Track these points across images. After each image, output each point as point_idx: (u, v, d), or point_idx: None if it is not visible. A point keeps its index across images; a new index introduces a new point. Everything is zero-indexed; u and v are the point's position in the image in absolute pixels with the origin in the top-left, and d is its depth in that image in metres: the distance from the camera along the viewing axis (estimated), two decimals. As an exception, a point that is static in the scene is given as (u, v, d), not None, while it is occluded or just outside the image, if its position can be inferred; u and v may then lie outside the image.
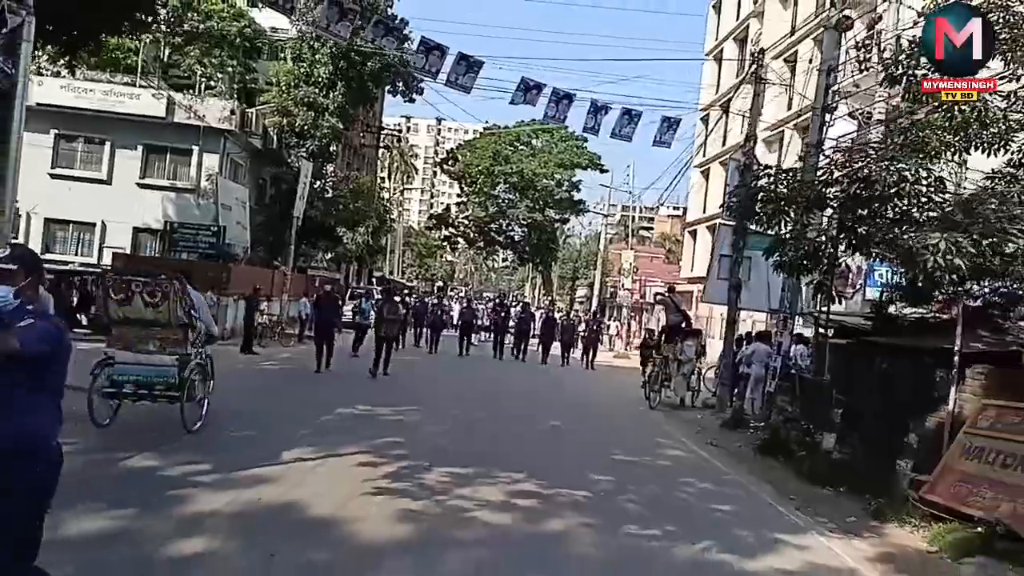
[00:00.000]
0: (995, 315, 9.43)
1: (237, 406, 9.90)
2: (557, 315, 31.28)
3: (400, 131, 47.28)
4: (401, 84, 35.69)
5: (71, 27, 10.19)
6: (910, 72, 9.17)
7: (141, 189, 26.73)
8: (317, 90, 31.40)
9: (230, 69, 31.50)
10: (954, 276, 8.06)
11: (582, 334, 25.59)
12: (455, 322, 25.87)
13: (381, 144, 36.40)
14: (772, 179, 10.69)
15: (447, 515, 6.19)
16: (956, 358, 8.69)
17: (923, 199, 8.59)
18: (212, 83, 30.59)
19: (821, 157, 12.24)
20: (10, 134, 8.35)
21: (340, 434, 9.02)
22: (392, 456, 8.06)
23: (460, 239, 62.77)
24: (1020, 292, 9.05)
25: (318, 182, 32.13)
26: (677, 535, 6.38)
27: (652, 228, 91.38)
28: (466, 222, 59.48)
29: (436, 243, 71.77)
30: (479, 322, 28.19)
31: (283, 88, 31.33)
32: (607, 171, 54.70)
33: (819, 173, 10.55)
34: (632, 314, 44.30)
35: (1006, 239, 8.14)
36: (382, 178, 43.72)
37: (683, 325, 16.23)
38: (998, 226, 8.30)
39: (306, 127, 31.20)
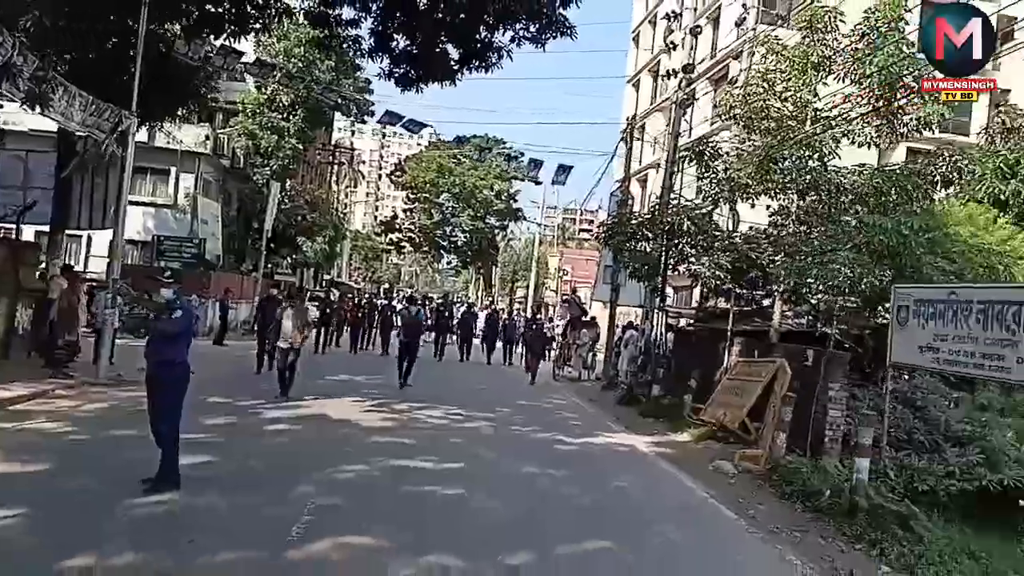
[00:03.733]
0: (754, 308, 14.75)
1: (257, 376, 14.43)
2: (503, 315, 31.41)
3: (353, 150, 51.32)
4: (354, 107, 40.05)
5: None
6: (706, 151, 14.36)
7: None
8: (279, 115, 35.56)
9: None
10: (716, 282, 13.31)
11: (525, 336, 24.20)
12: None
13: (335, 162, 40.68)
14: (625, 218, 15.84)
15: (409, 420, 11.01)
16: (729, 334, 14.01)
17: (702, 237, 13.77)
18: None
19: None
20: (121, 193, 12.78)
21: (331, 389, 13.66)
22: (371, 397, 12.81)
23: (407, 243, 67.11)
24: (759, 281, 14.18)
25: (280, 194, 36.29)
26: (540, 431, 11.39)
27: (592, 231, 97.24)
28: (413, 228, 63.93)
29: (384, 247, 75.83)
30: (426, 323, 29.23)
31: (249, 113, 35.38)
32: (540, 183, 59.90)
33: (636, 219, 15.69)
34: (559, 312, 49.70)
35: (751, 259, 13.44)
36: (336, 190, 47.89)
37: (582, 318, 21.36)
38: (747, 251, 13.60)
39: (270, 148, 35.34)
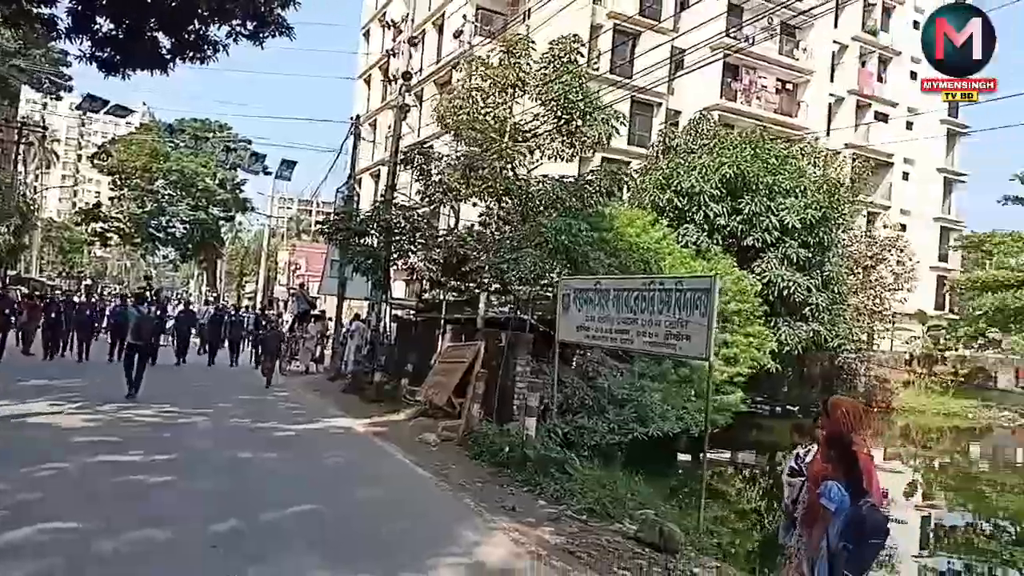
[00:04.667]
0: (467, 299, 16.47)
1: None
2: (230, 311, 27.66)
3: (45, 128, 44.99)
4: (47, 80, 35.45)
5: None
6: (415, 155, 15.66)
7: None
8: (-56, 83, 30.35)
9: None
10: (431, 276, 14.69)
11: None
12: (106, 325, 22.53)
13: (23, 140, 35.55)
14: (350, 214, 16.59)
15: (116, 420, 10.72)
16: (443, 322, 15.50)
17: (419, 235, 15.08)
18: None
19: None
20: None
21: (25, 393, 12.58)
22: (71, 400, 12.10)
23: (114, 234, 60.44)
24: (468, 274, 15.88)
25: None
26: (259, 421, 11.77)
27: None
28: (121, 217, 57.78)
29: (86, 238, 67.30)
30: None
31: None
32: (270, 173, 57.71)
33: (360, 215, 16.69)
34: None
35: (459, 255, 15.02)
36: (24, 172, 41.67)
37: (310, 312, 21.66)
38: (457, 247, 15.16)
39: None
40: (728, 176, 19.84)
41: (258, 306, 42.33)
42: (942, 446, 26.53)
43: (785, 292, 20.38)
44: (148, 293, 25.53)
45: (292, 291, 31.57)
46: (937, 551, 13.15)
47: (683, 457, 16.31)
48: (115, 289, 66.71)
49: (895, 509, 15.79)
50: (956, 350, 35.66)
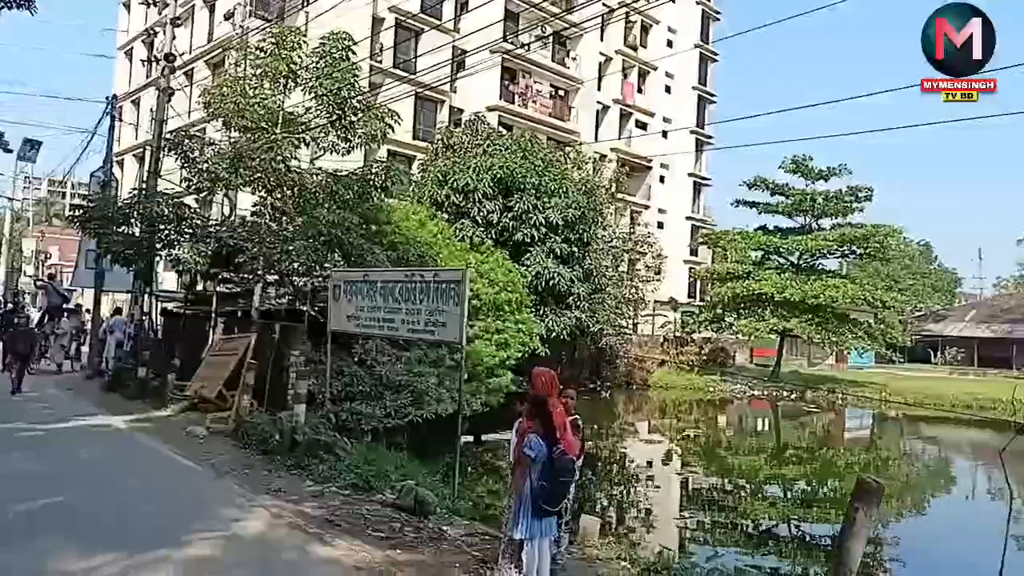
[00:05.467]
0: (242, 291, 16.22)
1: None
2: None
3: None
4: None
5: None
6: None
7: None
8: None
9: None
10: (196, 267, 14.30)
11: None
12: None
13: None
14: (107, 201, 15.55)
15: None
16: (214, 314, 15.14)
17: (184, 224, 14.58)
18: None
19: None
20: None
21: None
22: None
23: None
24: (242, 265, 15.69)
25: None
26: (3, 423, 10.86)
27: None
28: None
29: None
30: None
31: None
32: (11, 151, 50.72)
33: (118, 203, 15.79)
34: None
35: (230, 246, 14.75)
36: None
37: (62, 306, 19.83)
38: (228, 239, 14.87)
39: None
40: (499, 176, 21.29)
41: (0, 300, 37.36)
42: (692, 417, 30.41)
43: (551, 283, 22.32)
44: None
45: (40, 283, 28.36)
46: (691, 511, 15.04)
47: (466, 439, 17.44)
48: None
49: (659, 477, 18.23)
50: (700, 333, 40.87)
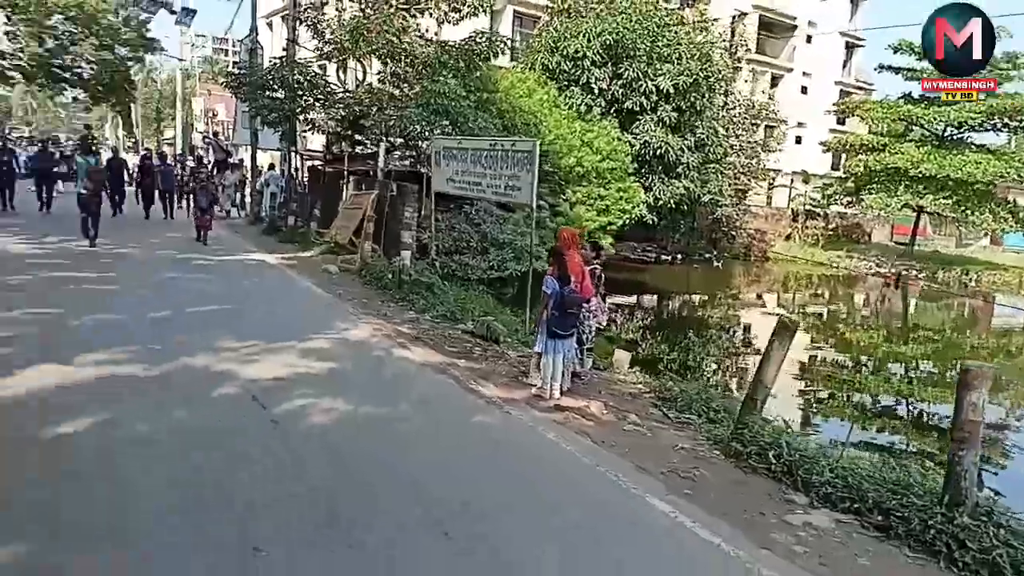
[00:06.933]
0: (370, 152, 18.39)
1: None
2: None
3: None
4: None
5: None
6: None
7: None
8: None
9: None
10: (330, 131, 16.46)
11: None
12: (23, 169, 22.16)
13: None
14: (253, 68, 17.84)
15: (61, 249, 12.68)
16: (346, 172, 17.50)
17: (318, 91, 16.62)
18: None
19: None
20: None
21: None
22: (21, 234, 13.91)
23: (15, 72, 57.28)
24: (366, 129, 17.78)
25: None
26: (182, 253, 13.89)
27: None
28: (21, 55, 54.66)
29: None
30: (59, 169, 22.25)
31: None
32: (174, 12, 54.99)
33: (262, 71, 17.91)
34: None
35: (356, 112, 16.72)
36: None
37: (227, 160, 23.09)
38: (354, 105, 16.84)
39: None
40: (609, 42, 21.55)
41: (176, 154, 42.36)
42: (802, 291, 29.68)
43: (660, 152, 22.89)
44: (92, 144, 24.49)
45: (207, 139, 32.25)
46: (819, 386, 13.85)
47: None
48: (24, 132, 64.18)
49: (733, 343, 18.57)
50: (831, 208, 39.51)
